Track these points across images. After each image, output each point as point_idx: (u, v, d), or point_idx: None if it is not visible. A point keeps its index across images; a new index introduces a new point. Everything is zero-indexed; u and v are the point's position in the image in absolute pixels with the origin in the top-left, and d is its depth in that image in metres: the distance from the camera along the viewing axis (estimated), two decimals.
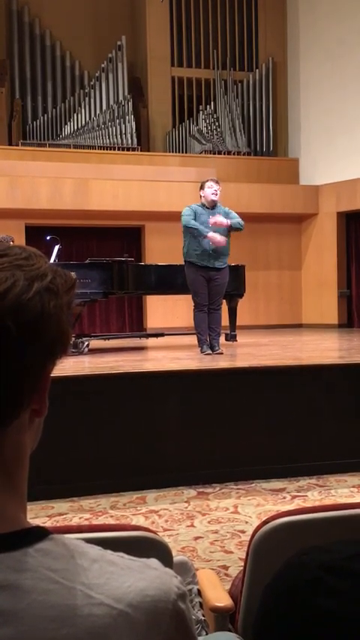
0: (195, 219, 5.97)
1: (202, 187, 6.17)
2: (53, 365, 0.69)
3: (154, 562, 0.67)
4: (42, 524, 0.67)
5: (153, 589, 0.64)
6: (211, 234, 5.87)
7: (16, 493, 0.68)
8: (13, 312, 0.62)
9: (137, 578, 0.64)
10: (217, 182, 6.19)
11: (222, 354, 6.01)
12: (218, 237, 5.86)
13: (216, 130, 12.42)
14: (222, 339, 6.47)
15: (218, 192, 6.08)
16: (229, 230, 6.05)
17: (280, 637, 0.67)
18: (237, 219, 6.11)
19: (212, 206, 6.08)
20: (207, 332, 6.13)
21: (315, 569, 0.67)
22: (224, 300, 6.59)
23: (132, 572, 0.64)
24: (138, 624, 0.62)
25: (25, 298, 0.63)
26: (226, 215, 6.11)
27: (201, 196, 6.15)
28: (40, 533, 0.65)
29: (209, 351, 6.00)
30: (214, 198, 6.06)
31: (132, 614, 0.61)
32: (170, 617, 0.64)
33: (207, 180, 6.21)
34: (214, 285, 6.08)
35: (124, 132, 11.93)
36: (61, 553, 0.64)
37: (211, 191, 6.06)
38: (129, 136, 11.93)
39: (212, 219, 5.93)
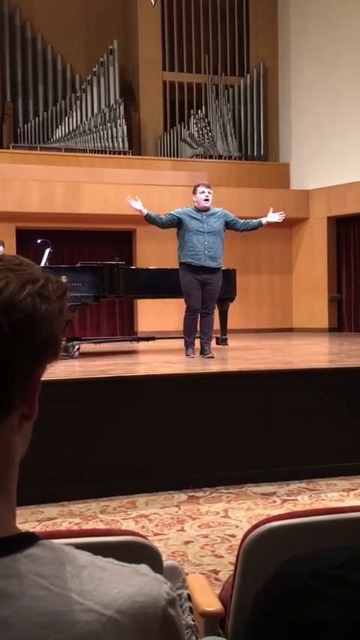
0: (181, 222, 5.99)
1: (194, 192, 6.18)
2: (43, 369, 0.70)
3: (143, 568, 0.67)
4: (32, 529, 0.67)
5: (142, 595, 0.63)
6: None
7: (6, 497, 0.67)
8: (4, 311, 0.63)
9: (127, 584, 0.64)
10: (208, 186, 6.19)
11: (213, 357, 6.01)
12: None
13: (207, 134, 12.44)
14: (213, 342, 6.47)
15: (210, 196, 6.10)
16: (224, 230, 6.17)
17: None
18: (244, 223, 6.29)
19: (205, 210, 6.10)
20: (195, 336, 6.14)
21: (306, 577, 0.67)
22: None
23: (121, 578, 0.64)
24: (127, 630, 0.61)
25: (17, 299, 0.64)
26: (225, 217, 6.15)
27: (194, 200, 6.17)
28: (29, 539, 0.64)
29: (193, 355, 6.01)
30: (206, 204, 6.08)
31: (121, 620, 0.61)
32: (159, 624, 0.63)
33: (199, 185, 6.21)
34: (207, 289, 6.09)
35: (115, 136, 11.93)
36: (50, 559, 0.63)
37: (203, 196, 6.07)
38: (120, 139, 11.93)
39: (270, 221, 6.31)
